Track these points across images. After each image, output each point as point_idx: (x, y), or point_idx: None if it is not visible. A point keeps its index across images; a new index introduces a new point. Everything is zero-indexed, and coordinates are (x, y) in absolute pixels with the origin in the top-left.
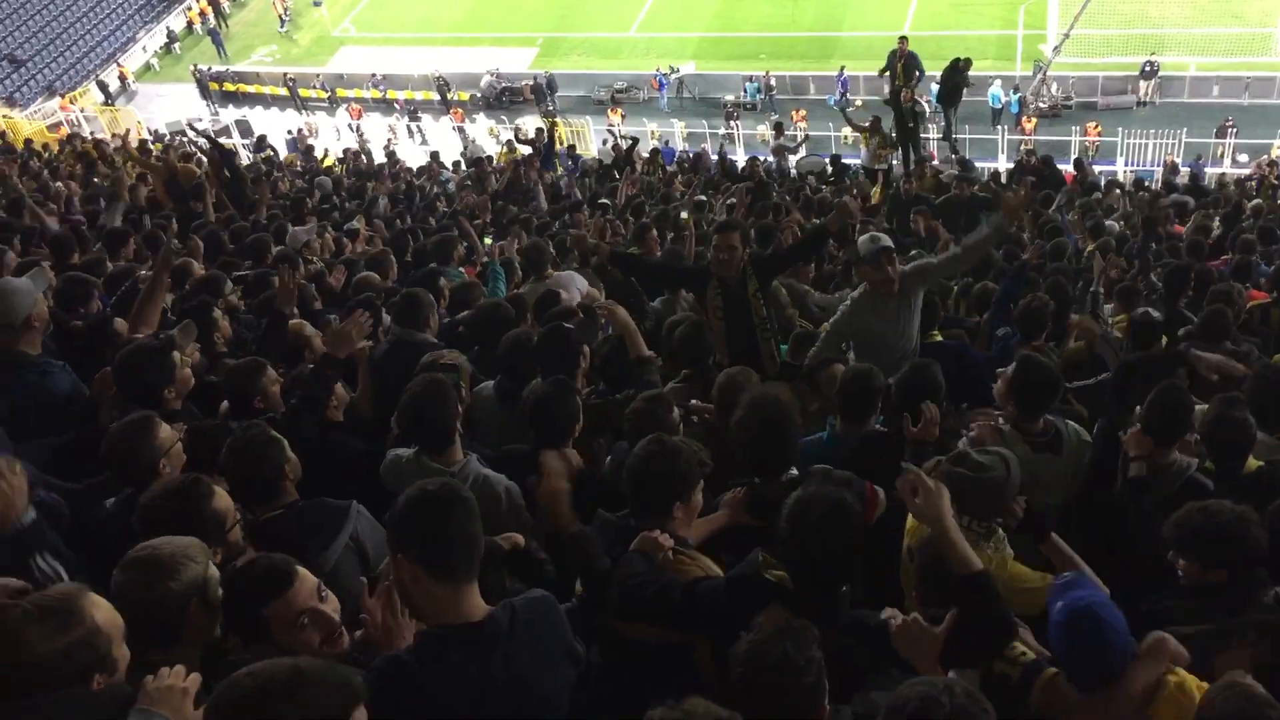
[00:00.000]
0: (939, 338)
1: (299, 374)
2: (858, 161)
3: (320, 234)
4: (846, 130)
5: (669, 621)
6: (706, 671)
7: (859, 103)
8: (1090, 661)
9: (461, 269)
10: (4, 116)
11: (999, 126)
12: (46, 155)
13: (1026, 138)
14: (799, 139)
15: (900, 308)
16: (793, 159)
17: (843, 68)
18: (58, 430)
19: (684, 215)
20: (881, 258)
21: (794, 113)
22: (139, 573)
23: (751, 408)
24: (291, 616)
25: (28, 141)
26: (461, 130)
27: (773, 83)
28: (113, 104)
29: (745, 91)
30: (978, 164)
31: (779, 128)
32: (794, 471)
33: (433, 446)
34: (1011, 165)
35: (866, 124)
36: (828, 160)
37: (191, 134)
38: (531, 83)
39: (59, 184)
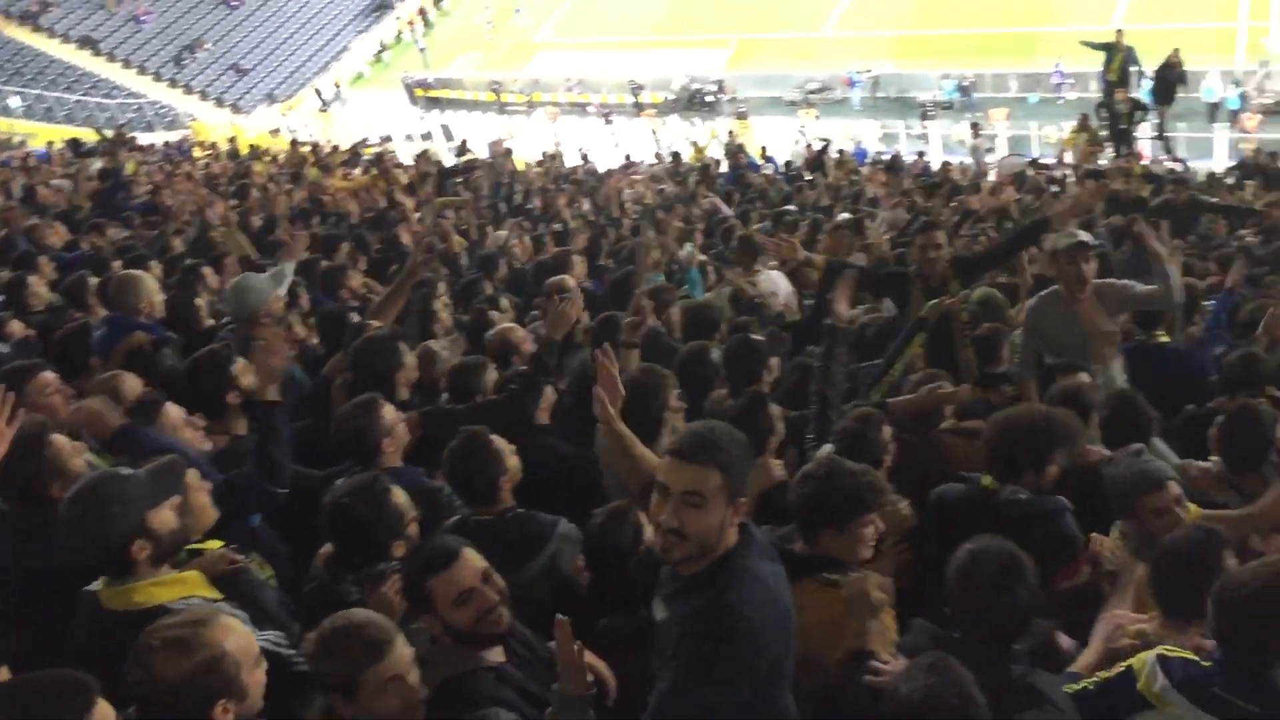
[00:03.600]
0: (1164, 338)
1: (511, 374)
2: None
3: (520, 236)
4: (1049, 129)
5: None
6: None
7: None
8: None
9: (660, 275)
10: (232, 124)
11: (1214, 124)
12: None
13: (1248, 135)
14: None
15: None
16: (990, 160)
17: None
18: (297, 415)
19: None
20: (1077, 253)
21: (990, 112)
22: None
23: None
24: (453, 593)
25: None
26: (654, 133)
27: (970, 80)
28: (326, 110)
29: (941, 90)
30: (1191, 163)
31: (975, 127)
32: None
33: None
34: (1232, 164)
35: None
36: (1029, 161)
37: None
38: (717, 86)
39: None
